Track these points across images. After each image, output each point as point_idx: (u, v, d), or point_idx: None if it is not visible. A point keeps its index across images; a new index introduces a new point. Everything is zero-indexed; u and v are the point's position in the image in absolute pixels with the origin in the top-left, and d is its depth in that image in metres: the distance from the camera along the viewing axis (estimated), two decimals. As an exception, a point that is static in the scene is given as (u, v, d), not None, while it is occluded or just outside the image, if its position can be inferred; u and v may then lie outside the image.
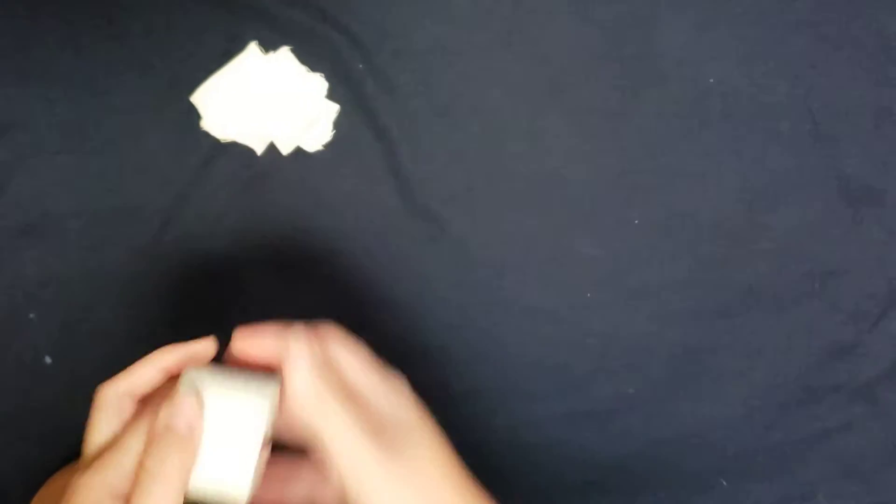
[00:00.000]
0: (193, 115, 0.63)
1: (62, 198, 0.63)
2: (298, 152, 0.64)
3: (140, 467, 0.40)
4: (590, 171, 0.65)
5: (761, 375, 0.65)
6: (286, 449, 0.47)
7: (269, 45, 0.64)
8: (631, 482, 0.64)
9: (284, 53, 0.64)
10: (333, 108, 0.64)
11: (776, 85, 0.66)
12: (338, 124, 0.64)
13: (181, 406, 0.41)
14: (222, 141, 0.63)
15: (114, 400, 0.43)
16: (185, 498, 0.40)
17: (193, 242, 0.64)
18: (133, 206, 0.63)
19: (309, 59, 0.64)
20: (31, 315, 0.62)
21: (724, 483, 0.65)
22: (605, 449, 0.64)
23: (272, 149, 0.64)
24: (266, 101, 0.63)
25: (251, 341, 0.45)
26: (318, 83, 0.64)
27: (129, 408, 0.43)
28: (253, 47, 0.64)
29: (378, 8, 0.65)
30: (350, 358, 0.46)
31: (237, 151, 0.64)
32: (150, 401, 0.44)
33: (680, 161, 0.65)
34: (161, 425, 0.41)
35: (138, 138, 0.64)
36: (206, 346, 0.45)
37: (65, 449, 0.62)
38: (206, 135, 0.63)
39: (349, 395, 0.43)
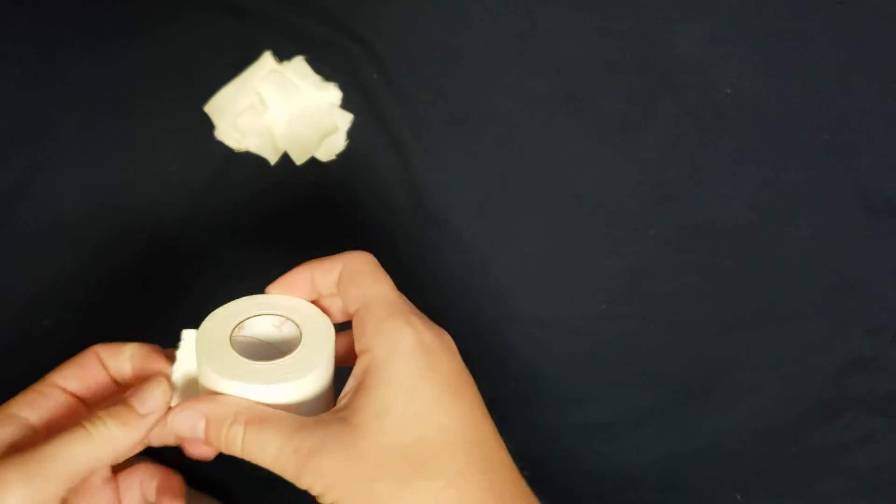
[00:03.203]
0: (208, 124, 0.63)
1: (78, 204, 0.63)
2: (312, 162, 0.64)
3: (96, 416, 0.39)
4: (605, 182, 0.65)
5: (777, 389, 0.64)
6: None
7: (283, 55, 0.64)
8: (644, 496, 0.64)
9: (299, 63, 0.64)
10: (347, 118, 0.64)
11: (793, 95, 0.65)
12: (352, 134, 0.64)
13: (151, 393, 0.40)
14: (236, 150, 0.64)
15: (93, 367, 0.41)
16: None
17: (207, 250, 0.64)
18: (148, 214, 0.64)
19: (323, 68, 0.64)
20: (46, 322, 0.62)
21: (739, 497, 0.65)
22: (618, 462, 0.64)
23: (286, 159, 0.64)
24: (280, 111, 0.63)
25: (291, 282, 0.42)
26: (332, 93, 0.64)
27: (96, 372, 0.41)
28: (267, 57, 0.64)
29: (392, 18, 0.65)
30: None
31: (251, 161, 0.64)
32: None
33: (696, 172, 0.65)
34: (123, 396, 0.40)
35: (154, 147, 0.64)
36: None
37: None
38: (220, 144, 0.63)
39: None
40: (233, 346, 0.40)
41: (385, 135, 0.64)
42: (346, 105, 0.64)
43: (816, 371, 0.65)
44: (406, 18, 0.65)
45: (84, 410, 0.42)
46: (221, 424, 0.38)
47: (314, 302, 0.43)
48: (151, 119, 0.64)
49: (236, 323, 0.41)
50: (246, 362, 0.39)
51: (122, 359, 0.42)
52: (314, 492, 0.36)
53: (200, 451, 0.42)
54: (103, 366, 0.42)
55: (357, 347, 0.39)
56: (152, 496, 0.43)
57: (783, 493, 0.65)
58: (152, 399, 0.40)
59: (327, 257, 0.42)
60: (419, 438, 0.35)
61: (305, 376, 0.38)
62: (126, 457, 0.39)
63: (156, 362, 0.42)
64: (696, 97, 0.65)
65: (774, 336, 0.64)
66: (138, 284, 0.63)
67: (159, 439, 0.42)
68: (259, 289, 0.63)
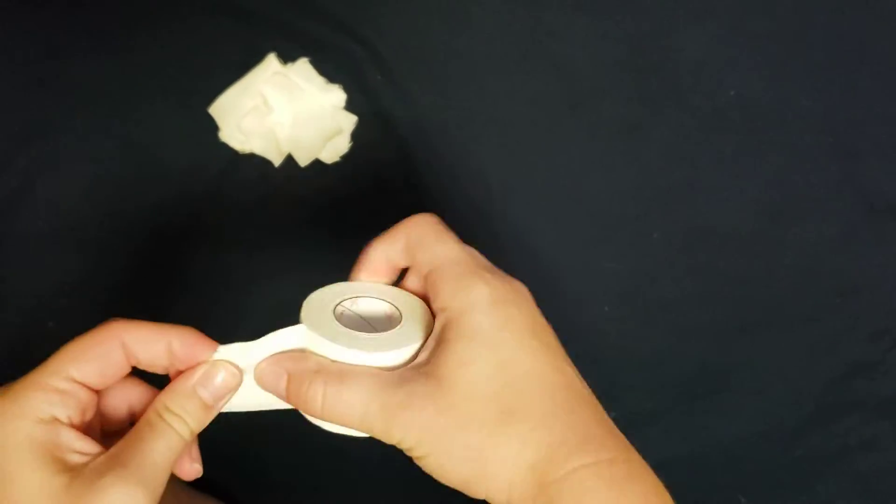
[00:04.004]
0: (212, 126, 0.63)
1: (81, 206, 0.63)
2: (316, 164, 0.64)
3: (151, 411, 0.37)
4: (608, 185, 0.65)
5: (781, 392, 0.64)
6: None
7: (287, 57, 0.64)
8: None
9: (303, 65, 0.64)
10: (351, 120, 0.64)
11: (797, 98, 0.65)
12: (356, 136, 0.64)
13: (216, 382, 0.38)
14: (240, 152, 0.64)
15: (114, 349, 0.38)
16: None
17: (211, 251, 0.64)
18: (152, 215, 0.64)
19: (327, 70, 0.64)
20: (50, 324, 0.63)
21: (743, 500, 0.65)
22: (621, 464, 0.64)
23: (290, 160, 0.64)
24: (284, 113, 0.63)
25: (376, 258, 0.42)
26: (336, 95, 0.64)
27: (119, 366, 0.38)
28: (271, 59, 0.64)
29: (397, 20, 0.65)
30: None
31: (255, 163, 0.64)
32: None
33: (699, 175, 0.65)
34: (189, 386, 0.38)
35: (157, 148, 0.64)
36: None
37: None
38: (225, 146, 0.63)
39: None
40: (337, 320, 0.40)
41: (389, 137, 0.64)
42: (349, 107, 0.64)
43: (820, 374, 0.64)
44: (409, 21, 0.65)
45: (95, 400, 0.39)
46: (302, 381, 0.37)
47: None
48: (155, 121, 0.64)
49: (336, 303, 0.41)
50: (351, 332, 0.39)
51: (157, 347, 0.39)
52: (405, 445, 0.36)
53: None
54: (125, 352, 0.39)
55: (433, 307, 0.39)
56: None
57: (786, 496, 0.65)
58: (219, 388, 0.39)
59: (390, 229, 0.42)
60: (505, 385, 0.36)
61: (405, 347, 0.38)
62: None
63: (204, 352, 0.39)
64: (699, 100, 0.65)
65: (778, 339, 0.64)
66: (142, 286, 0.63)
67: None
68: (263, 291, 0.64)
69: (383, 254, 0.42)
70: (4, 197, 0.63)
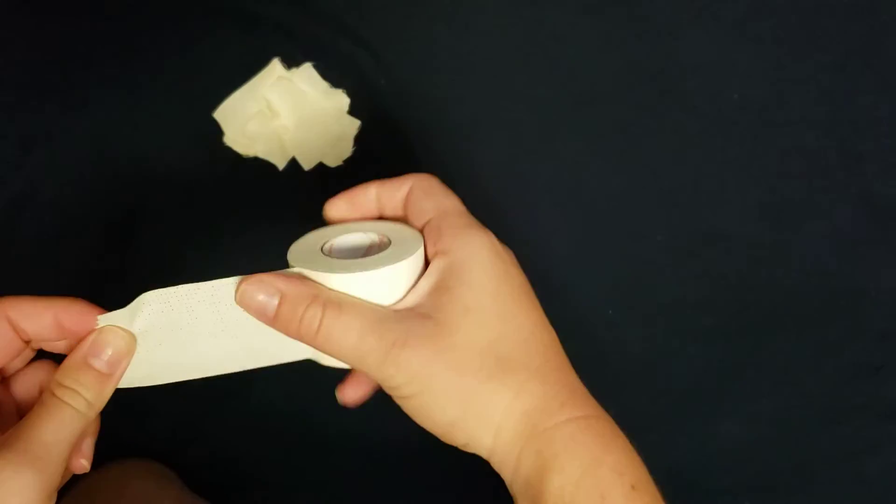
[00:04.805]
0: (216, 130, 0.64)
1: (85, 209, 0.64)
2: (320, 168, 0.64)
3: (47, 392, 0.36)
4: (611, 188, 0.65)
5: (786, 395, 0.64)
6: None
7: (291, 62, 0.64)
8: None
9: (307, 69, 0.64)
10: (355, 124, 0.65)
11: (800, 101, 0.65)
12: (359, 140, 0.65)
13: (106, 349, 0.37)
14: (244, 156, 0.64)
15: None
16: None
17: (216, 255, 0.64)
18: (156, 219, 0.64)
19: (331, 75, 0.64)
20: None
21: (748, 503, 0.64)
22: (625, 468, 0.64)
23: (294, 164, 0.64)
24: (288, 117, 0.64)
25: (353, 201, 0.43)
26: (339, 99, 0.64)
27: (10, 342, 0.38)
28: (276, 63, 0.64)
29: (400, 24, 0.65)
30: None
31: (259, 167, 0.64)
32: None
33: (704, 177, 0.65)
34: (79, 357, 0.37)
35: (162, 153, 0.64)
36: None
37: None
38: (229, 150, 0.64)
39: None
40: (323, 254, 0.40)
41: (393, 141, 0.65)
42: (353, 111, 0.65)
43: (825, 377, 0.64)
44: (414, 25, 0.65)
45: None
46: (298, 303, 0.37)
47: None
48: (160, 125, 0.64)
49: (323, 242, 0.41)
50: (332, 259, 0.39)
51: (44, 320, 0.38)
52: (395, 382, 0.36)
53: (352, 396, 0.42)
54: (13, 327, 0.38)
55: (431, 250, 0.40)
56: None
57: (792, 499, 0.64)
58: (111, 354, 0.38)
59: (392, 178, 0.42)
60: (503, 336, 0.38)
61: (388, 265, 0.38)
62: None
63: (91, 322, 0.38)
64: (702, 103, 0.65)
65: (782, 342, 0.64)
66: (145, 288, 0.63)
67: None
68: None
69: (374, 194, 0.43)
70: (8, 200, 0.63)
